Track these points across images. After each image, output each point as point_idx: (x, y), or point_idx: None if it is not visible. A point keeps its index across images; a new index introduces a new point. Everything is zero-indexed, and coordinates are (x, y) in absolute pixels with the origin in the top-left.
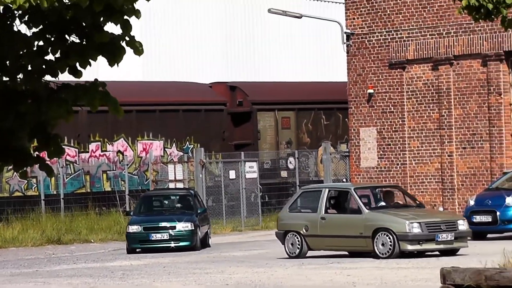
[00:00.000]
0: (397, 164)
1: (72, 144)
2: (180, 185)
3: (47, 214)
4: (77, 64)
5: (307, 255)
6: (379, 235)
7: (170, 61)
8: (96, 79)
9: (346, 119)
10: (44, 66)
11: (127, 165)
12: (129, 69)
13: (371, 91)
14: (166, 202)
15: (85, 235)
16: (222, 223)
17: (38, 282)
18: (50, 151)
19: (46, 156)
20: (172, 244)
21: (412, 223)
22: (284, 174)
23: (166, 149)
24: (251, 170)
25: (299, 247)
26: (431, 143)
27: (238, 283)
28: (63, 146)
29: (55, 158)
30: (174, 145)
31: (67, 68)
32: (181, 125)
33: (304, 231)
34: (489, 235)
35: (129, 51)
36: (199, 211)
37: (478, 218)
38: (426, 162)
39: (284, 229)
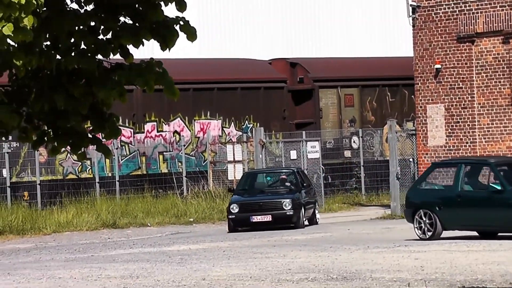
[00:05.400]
0: (467, 143)
1: (127, 125)
2: (239, 166)
3: (102, 197)
4: (130, 45)
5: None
6: None
7: (228, 37)
8: (152, 59)
9: (412, 96)
10: (96, 46)
11: (184, 145)
12: (185, 46)
13: (438, 66)
14: None
15: (141, 218)
16: None
17: (94, 268)
18: (107, 132)
19: (101, 137)
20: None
21: None
22: (347, 154)
23: (224, 128)
24: (313, 150)
25: None
26: (502, 120)
27: (301, 268)
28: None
29: (110, 140)
30: (232, 124)
31: (119, 50)
32: (240, 104)
33: None
34: None
35: (182, 35)
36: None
37: None
38: (497, 140)
39: None
